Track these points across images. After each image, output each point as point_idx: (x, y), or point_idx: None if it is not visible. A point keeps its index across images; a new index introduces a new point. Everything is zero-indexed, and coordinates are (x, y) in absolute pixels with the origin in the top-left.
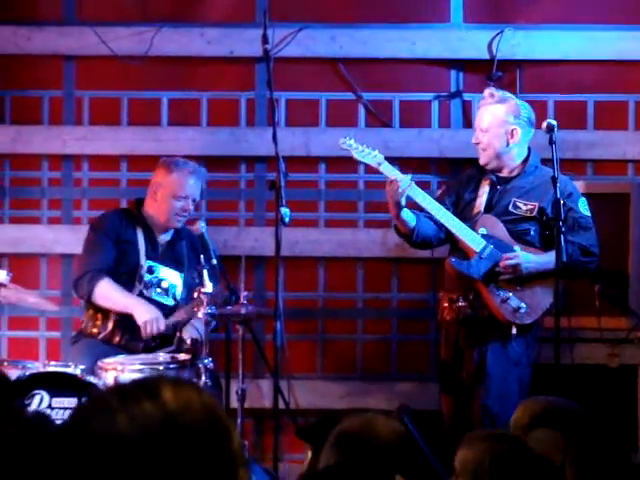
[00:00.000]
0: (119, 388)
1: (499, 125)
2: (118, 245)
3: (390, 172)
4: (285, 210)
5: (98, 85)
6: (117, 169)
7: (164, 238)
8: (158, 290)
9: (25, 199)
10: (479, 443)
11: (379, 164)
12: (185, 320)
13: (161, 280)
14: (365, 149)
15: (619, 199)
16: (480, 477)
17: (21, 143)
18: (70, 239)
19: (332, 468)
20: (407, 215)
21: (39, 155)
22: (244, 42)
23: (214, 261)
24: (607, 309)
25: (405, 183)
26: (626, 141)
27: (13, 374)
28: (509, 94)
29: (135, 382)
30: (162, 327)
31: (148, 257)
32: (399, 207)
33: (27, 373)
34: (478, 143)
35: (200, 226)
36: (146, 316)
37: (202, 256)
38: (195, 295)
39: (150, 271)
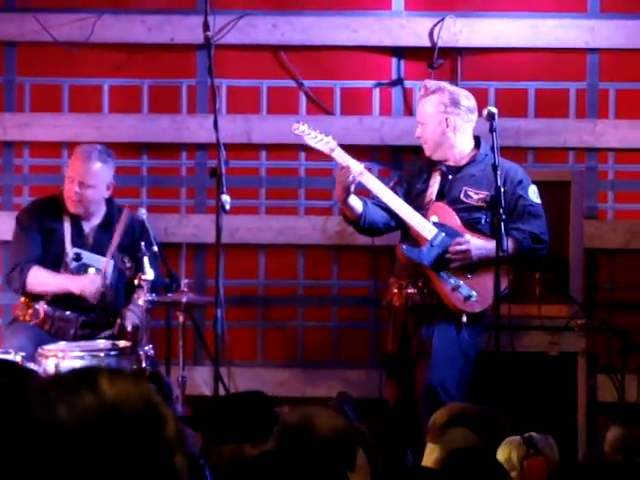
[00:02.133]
0: (56, 378)
1: (433, 116)
2: (42, 234)
3: (343, 159)
4: (226, 197)
5: (39, 71)
6: (58, 156)
7: (91, 224)
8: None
9: None
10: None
11: (332, 150)
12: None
13: (88, 266)
14: (318, 135)
15: (560, 187)
16: None
17: None
18: (10, 226)
19: (269, 454)
20: (354, 201)
21: None
22: (185, 29)
23: (155, 248)
24: (548, 297)
25: (357, 170)
26: (566, 129)
27: None
28: (444, 83)
29: (72, 372)
30: (101, 287)
31: (74, 244)
32: (348, 193)
33: None
34: (420, 137)
35: (141, 213)
36: (81, 284)
37: (142, 243)
38: (135, 282)
39: (77, 258)
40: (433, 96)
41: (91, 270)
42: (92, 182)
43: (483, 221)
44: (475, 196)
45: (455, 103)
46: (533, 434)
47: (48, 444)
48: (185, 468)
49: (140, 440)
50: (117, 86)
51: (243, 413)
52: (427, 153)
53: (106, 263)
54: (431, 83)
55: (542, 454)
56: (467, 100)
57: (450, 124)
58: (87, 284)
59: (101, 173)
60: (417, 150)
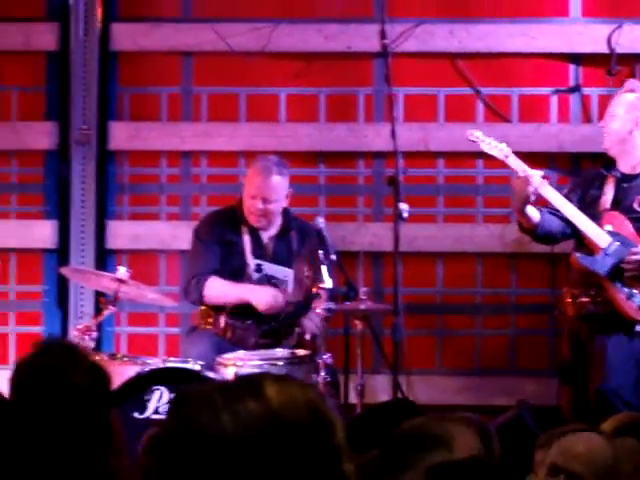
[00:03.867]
0: (222, 386)
1: (627, 111)
2: (222, 246)
3: (517, 165)
4: (403, 205)
5: (216, 81)
6: (235, 165)
7: (269, 233)
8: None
9: (144, 195)
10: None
11: (506, 157)
12: (299, 301)
13: (270, 277)
14: (492, 142)
15: None
16: None
17: (139, 140)
18: (189, 235)
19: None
20: (531, 210)
21: (157, 152)
22: (362, 37)
23: (333, 257)
24: None
25: (538, 179)
26: None
27: (133, 370)
28: None
29: (238, 380)
30: (282, 302)
31: (255, 255)
32: (526, 202)
33: (147, 369)
34: (603, 127)
35: (318, 222)
36: (264, 298)
37: (321, 252)
38: (314, 291)
39: (258, 269)
40: (633, 94)
41: (274, 281)
42: (274, 197)
43: None
44: None
45: None
46: None
47: (212, 453)
48: (354, 475)
49: (307, 448)
50: (294, 95)
51: (391, 421)
52: (605, 144)
53: (287, 274)
54: (634, 82)
55: None
56: None
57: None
58: (266, 297)
59: (281, 186)
60: (595, 157)
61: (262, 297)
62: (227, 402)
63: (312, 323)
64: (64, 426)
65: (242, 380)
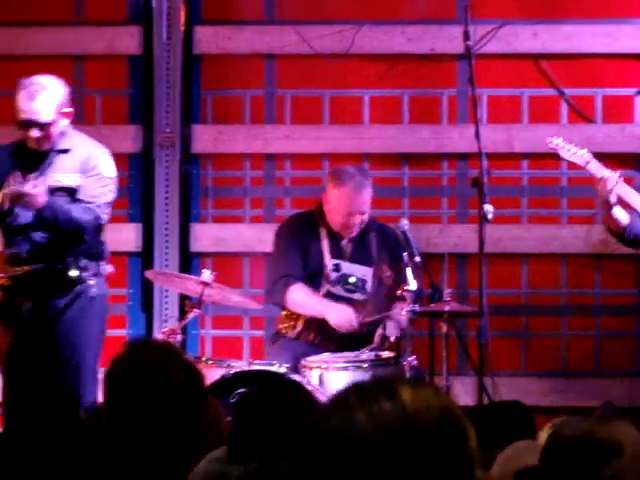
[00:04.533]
0: (357, 387)
1: None
2: (302, 248)
3: (598, 171)
4: (488, 207)
5: (299, 84)
6: (319, 167)
7: (349, 234)
8: (346, 287)
9: (228, 198)
10: None
11: (587, 162)
12: (379, 320)
13: (348, 277)
14: (572, 148)
15: None
16: None
17: (223, 143)
18: (272, 238)
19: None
20: (619, 213)
21: (241, 154)
22: (445, 39)
23: (417, 258)
24: None
25: (612, 181)
26: None
27: (217, 373)
28: None
29: (373, 381)
30: (355, 325)
31: (333, 255)
32: (608, 204)
33: (231, 372)
34: None
35: (403, 224)
36: (339, 318)
37: (404, 254)
38: (398, 293)
39: (336, 269)
40: None
41: (352, 279)
42: (367, 208)
43: None
44: None
45: None
46: None
47: (346, 453)
48: None
49: (440, 453)
50: (378, 97)
51: (501, 422)
52: None
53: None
54: None
55: None
56: None
57: None
58: (341, 318)
59: (370, 194)
60: None
61: (338, 317)
62: (362, 402)
63: (396, 325)
64: (159, 422)
65: (377, 381)
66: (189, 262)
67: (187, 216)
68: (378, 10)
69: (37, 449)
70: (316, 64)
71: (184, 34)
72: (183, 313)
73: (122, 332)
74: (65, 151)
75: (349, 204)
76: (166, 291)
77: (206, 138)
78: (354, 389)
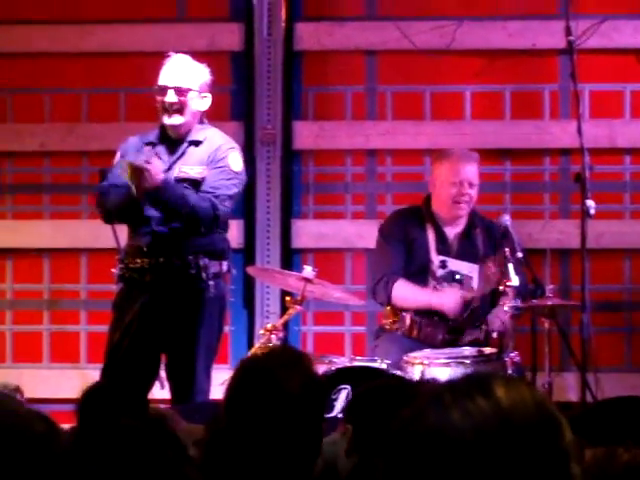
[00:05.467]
0: (451, 384)
1: None
2: (407, 244)
3: None
4: (590, 202)
5: (400, 79)
6: (420, 163)
7: (454, 231)
8: (452, 283)
9: (329, 194)
10: None
11: None
12: (483, 294)
13: (454, 273)
14: None
15: None
16: None
17: (324, 139)
18: (374, 234)
19: None
20: None
21: (342, 150)
22: (546, 34)
23: (519, 254)
24: None
25: None
26: None
27: (320, 369)
28: None
29: (466, 378)
30: (460, 301)
31: (439, 252)
32: None
33: (333, 368)
34: None
35: (504, 219)
36: (446, 301)
37: (507, 250)
38: (501, 288)
39: (442, 265)
40: None
41: (458, 276)
42: (476, 181)
43: None
44: None
45: None
46: None
47: (442, 451)
48: (580, 476)
49: (536, 449)
50: (478, 92)
51: (621, 417)
52: None
53: (472, 270)
54: None
55: None
56: None
57: None
58: (449, 301)
59: (476, 170)
60: None
61: (448, 302)
62: (456, 400)
63: (499, 320)
64: (276, 430)
65: (471, 378)
66: (290, 258)
67: (288, 212)
68: (478, 5)
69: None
70: (417, 60)
71: (285, 30)
72: (284, 309)
73: (225, 328)
74: (197, 143)
75: (456, 172)
76: (267, 287)
77: (307, 134)
78: (448, 386)
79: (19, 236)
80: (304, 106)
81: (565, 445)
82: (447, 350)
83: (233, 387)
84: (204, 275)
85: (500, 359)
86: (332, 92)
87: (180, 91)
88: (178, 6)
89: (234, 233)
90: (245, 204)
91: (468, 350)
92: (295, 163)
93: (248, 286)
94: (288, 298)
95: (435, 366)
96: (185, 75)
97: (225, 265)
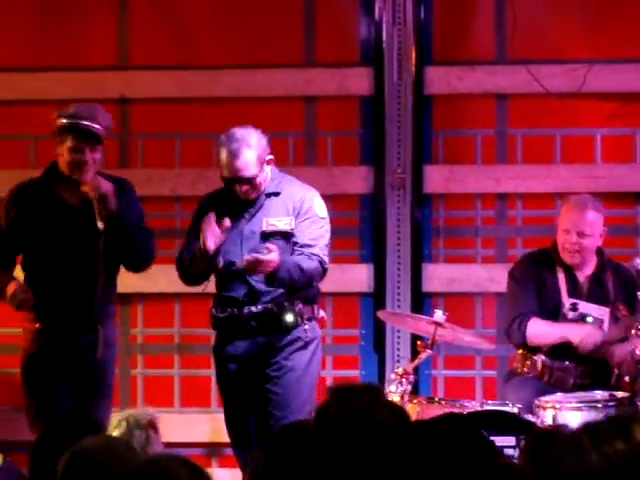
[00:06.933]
0: (590, 427)
1: None
2: (538, 287)
3: None
4: None
5: (530, 123)
6: (551, 207)
7: (584, 274)
8: None
9: (459, 238)
10: None
11: None
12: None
13: (585, 316)
14: None
15: None
16: None
17: (455, 182)
18: (504, 278)
19: None
20: None
21: (473, 194)
22: None
23: None
24: None
25: None
26: None
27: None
28: None
29: (605, 421)
30: (598, 340)
31: (570, 294)
32: None
33: (465, 412)
34: None
35: (637, 262)
36: (583, 335)
37: (639, 293)
38: (632, 332)
39: (573, 308)
40: None
41: (589, 319)
42: (589, 231)
43: None
44: None
45: None
46: None
47: None
48: None
49: None
50: (609, 136)
51: None
52: None
53: (603, 312)
54: None
55: None
56: None
57: None
58: (588, 335)
59: (596, 222)
60: None
61: (582, 335)
62: (594, 443)
63: (632, 364)
64: (372, 464)
65: (610, 421)
66: (421, 302)
67: (418, 256)
68: (610, 48)
69: None
70: (547, 103)
71: (415, 75)
72: (415, 353)
73: (355, 372)
74: (276, 194)
75: (566, 220)
76: (398, 331)
77: (437, 178)
78: (586, 429)
79: (150, 281)
80: (434, 150)
81: None
82: (579, 394)
83: (323, 427)
84: (299, 320)
85: (633, 403)
86: (462, 136)
87: (248, 179)
88: (306, 50)
89: (364, 277)
90: (375, 248)
91: (600, 394)
92: (425, 207)
93: (379, 330)
94: (419, 342)
95: (567, 410)
96: (247, 164)
97: (317, 309)
